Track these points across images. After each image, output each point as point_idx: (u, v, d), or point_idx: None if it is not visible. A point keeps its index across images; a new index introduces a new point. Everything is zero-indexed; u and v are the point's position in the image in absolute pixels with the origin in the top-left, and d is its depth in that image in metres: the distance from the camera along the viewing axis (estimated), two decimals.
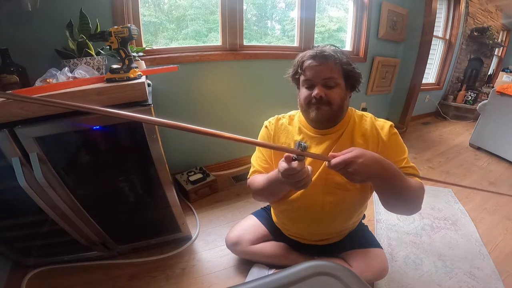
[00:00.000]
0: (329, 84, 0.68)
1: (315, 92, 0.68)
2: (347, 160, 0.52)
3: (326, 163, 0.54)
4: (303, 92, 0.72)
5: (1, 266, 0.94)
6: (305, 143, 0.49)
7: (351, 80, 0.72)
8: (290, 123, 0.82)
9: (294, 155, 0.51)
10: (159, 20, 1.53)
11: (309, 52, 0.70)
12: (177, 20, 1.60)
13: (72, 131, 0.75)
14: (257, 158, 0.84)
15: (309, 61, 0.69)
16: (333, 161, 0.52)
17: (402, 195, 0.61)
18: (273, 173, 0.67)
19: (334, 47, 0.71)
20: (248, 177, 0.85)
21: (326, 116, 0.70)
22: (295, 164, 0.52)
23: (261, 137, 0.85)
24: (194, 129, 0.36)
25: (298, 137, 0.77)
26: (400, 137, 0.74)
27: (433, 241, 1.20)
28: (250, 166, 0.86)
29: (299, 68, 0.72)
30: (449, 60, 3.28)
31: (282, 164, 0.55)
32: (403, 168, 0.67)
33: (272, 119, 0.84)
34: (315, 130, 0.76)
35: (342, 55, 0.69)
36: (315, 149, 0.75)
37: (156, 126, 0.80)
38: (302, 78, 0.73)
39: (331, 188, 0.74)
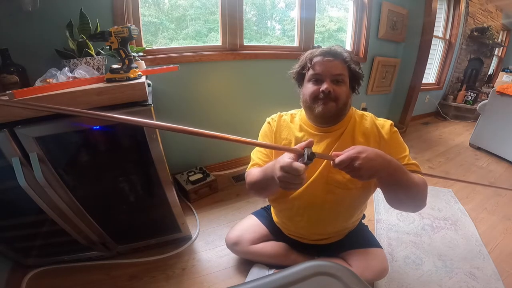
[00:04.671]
0: (338, 80, 0.70)
1: (324, 86, 0.68)
2: (351, 156, 0.52)
3: (331, 162, 0.54)
4: (309, 87, 0.72)
5: (1, 266, 0.94)
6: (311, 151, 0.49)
7: (355, 80, 0.74)
8: (292, 121, 0.82)
9: (304, 159, 0.49)
10: (159, 20, 1.53)
11: (319, 49, 0.72)
12: (177, 20, 1.60)
13: (72, 131, 0.75)
14: (257, 152, 0.84)
15: (319, 57, 0.71)
16: (338, 159, 0.53)
17: (407, 190, 0.62)
18: (270, 166, 0.65)
19: (342, 48, 0.73)
20: (246, 170, 0.84)
21: (332, 112, 0.71)
22: (297, 165, 0.50)
23: (263, 132, 0.85)
24: (198, 132, 0.35)
25: (299, 134, 0.78)
26: (400, 136, 0.75)
27: (433, 241, 1.20)
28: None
29: (308, 63, 0.73)
30: (449, 60, 3.28)
31: (286, 159, 0.53)
32: (405, 165, 0.68)
33: (274, 116, 0.85)
34: (316, 128, 0.77)
35: (351, 55, 0.72)
36: (316, 147, 0.75)
37: None
38: (310, 73, 0.73)
39: (332, 187, 0.74)
